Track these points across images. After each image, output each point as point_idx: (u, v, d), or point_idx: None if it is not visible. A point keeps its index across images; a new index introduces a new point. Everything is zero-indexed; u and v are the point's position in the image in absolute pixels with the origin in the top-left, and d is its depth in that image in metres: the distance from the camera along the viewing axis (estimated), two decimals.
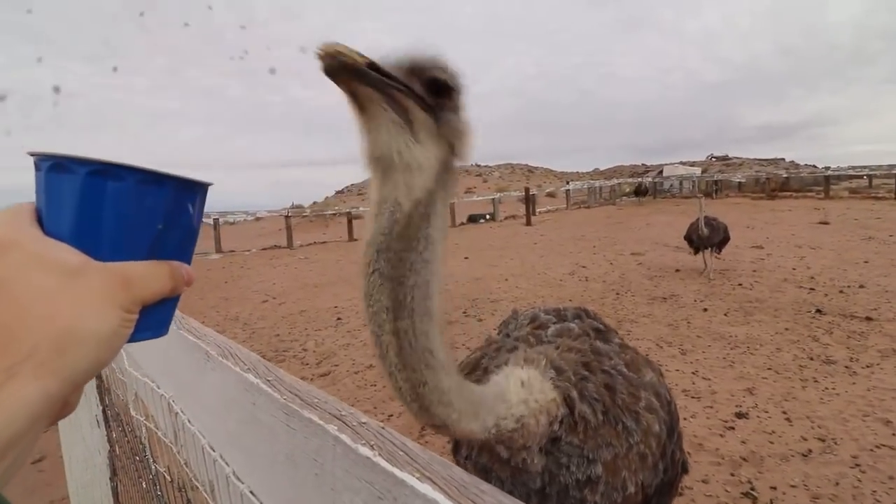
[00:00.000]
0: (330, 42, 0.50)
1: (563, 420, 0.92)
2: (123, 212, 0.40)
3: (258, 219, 19.48)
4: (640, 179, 32.97)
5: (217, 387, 0.72)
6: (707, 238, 7.92)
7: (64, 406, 0.38)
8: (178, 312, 1.14)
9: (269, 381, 0.61)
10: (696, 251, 8.29)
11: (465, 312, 6.54)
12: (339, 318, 6.82)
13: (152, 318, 0.43)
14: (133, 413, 1.29)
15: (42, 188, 0.42)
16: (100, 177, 0.39)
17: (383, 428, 0.47)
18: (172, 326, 1.02)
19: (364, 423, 0.48)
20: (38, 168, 0.42)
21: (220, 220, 15.98)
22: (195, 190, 0.45)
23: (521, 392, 0.84)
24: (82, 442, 2.12)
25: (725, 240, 8.15)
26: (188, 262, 0.47)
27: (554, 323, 1.28)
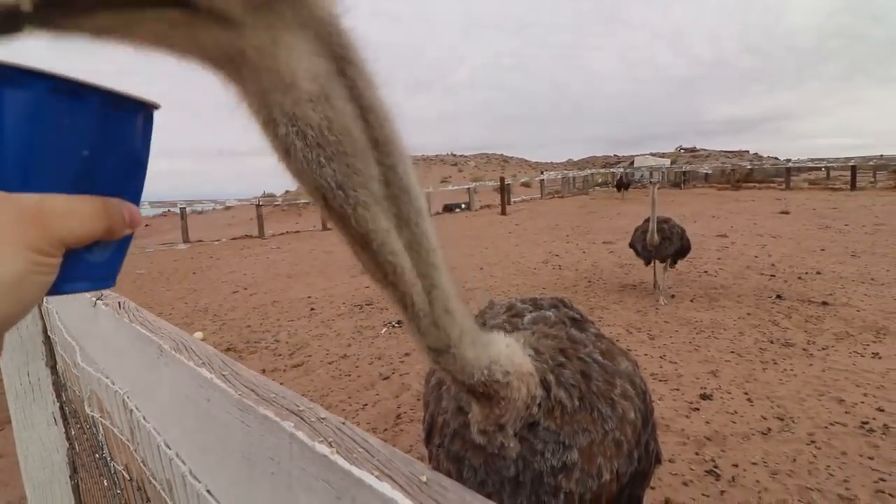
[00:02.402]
0: None
1: (541, 404, 0.91)
2: (33, 130, 0.33)
3: (228, 208, 18.95)
4: (616, 170, 33.52)
5: (171, 382, 0.68)
6: (658, 249, 6.03)
7: None
8: (132, 303, 1.08)
9: (224, 375, 0.58)
10: (647, 262, 6.50)
11: None
12: (312, 309, 6.72)
13: (88, 267, 0.37)
14: (88, 410, 1.23)
15: None
16: None
17: (343, 423, 0.45)
18: (124, 318, 0.97)
19: (323, 418, 0.46)
20: None
21: (188, 209, 15.43)
22: (133, 109, 0.37)
23: (507, 350, 0.80)
24: (38, 441, 2.02)
25: (684, 250, 6.22)
26: (134, 200, 0.39)
27: (530, 311, 1.27)
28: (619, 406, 1.04)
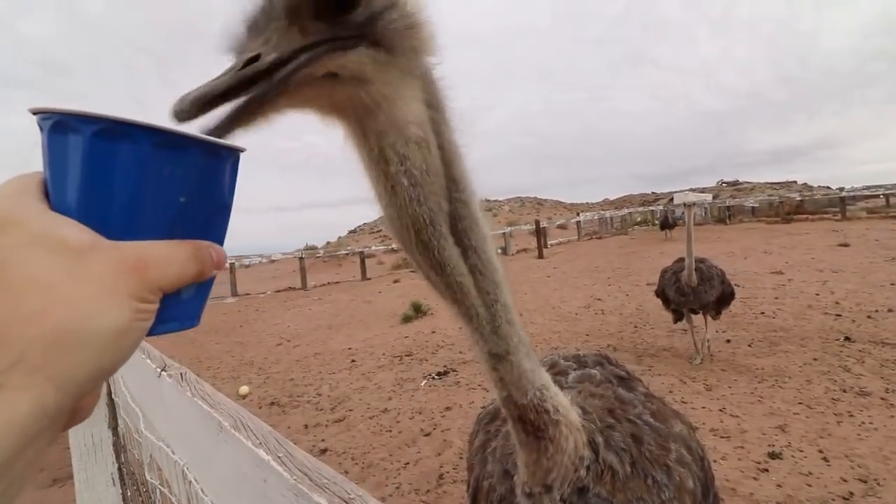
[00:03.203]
0: (178, 100, 0.39)
1: (590, 467, 0.86)
2: (138, 181, 0.35)
3: (273, 261, 19.78)
4: (655, 208, 32.45)
5: (229, 459, 0.72)
6: (696, 292, 4.95)
7: (75, 413, 0.33)
8: (193, 375, 1.15)
9: (279, 457, 0.61)
10: (678, 316, 5.41)
11: None
12: (352, 360, 6.77)
13: (178, 308, 0.38)
14: (148, 476, 1.28)
15: (46, 152, 0.36)
16: (108, 138, 0.34)
17: None
18: (186, 391, 1.04)
19: None
20: (41, 129, 0.36)
21: (236, 263, 16.28)
22: (225, 156, 0.39)
23: (557, 389, 0.81)
24: (98, 501, 2.10)
25: (726, 296, 5.19)
26: (219, 241, 0.41)
27: (574, 370, 1.23)
28: (675, 473, 0.97)
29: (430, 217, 0.55)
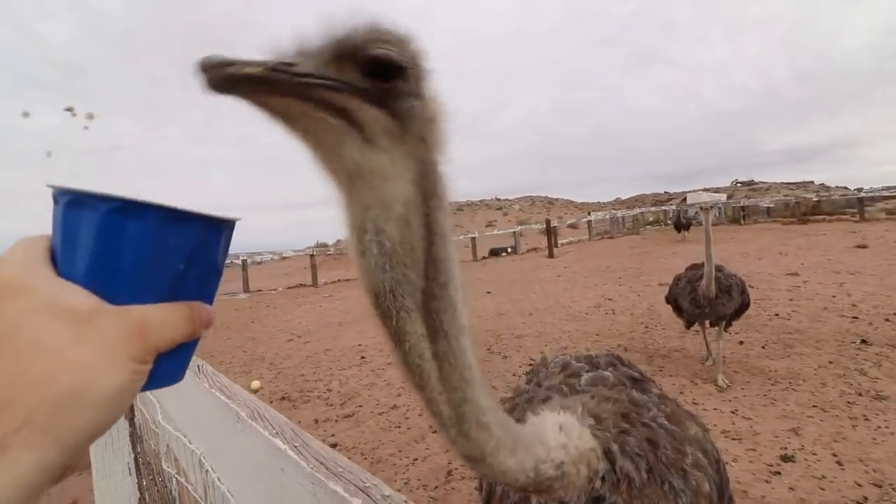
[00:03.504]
0: (213, 54, 0.39)
1: (605, 476, 0.83)
2: (144, 252, 0.38)
3: (284, 258, 19.97)
4: (668, 208, 31.82)
5: (246, 449, 0.74)
6: (713, 305, 4.55)
7: (65, 469, 0.34)
8: (210, 367, 1.18)
9: (296, 447, 0.63)
10: (691, 323, 5.08)
11: (489, 349, 6.46)
12: (362, 357, 6.82)
13: (167, 366, 0.40)
14: (165, 466, 1.32)
15: (59, 224, 0.39)
16: (120, 215, 0.37)
17: (406, 502, 0.48)
18: (204, 384, 1.06)
19: (388, 496, 0.49)
20: (55, 202, 0.39)
21: (248, 260, 16.46)
22: (222, 227, 0.43)
23: (560, 436, 0.76)
24: (114, 490, 2.15)
25: (744, 307, 4.81)
26: (210, 301, 0.43)
27: (587, 371, 1.22)
28: (691, 478, 0.95)
29: (391, 285, 0.54)
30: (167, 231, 0.38)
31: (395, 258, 0.52)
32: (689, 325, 5.26)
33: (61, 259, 0.38)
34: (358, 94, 0.46)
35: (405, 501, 0.48)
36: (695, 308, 4.72)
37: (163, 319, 0.37)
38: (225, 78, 0.39)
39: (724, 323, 4.82)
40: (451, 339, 0.58)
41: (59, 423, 0.30)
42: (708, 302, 4.57)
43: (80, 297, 0.35)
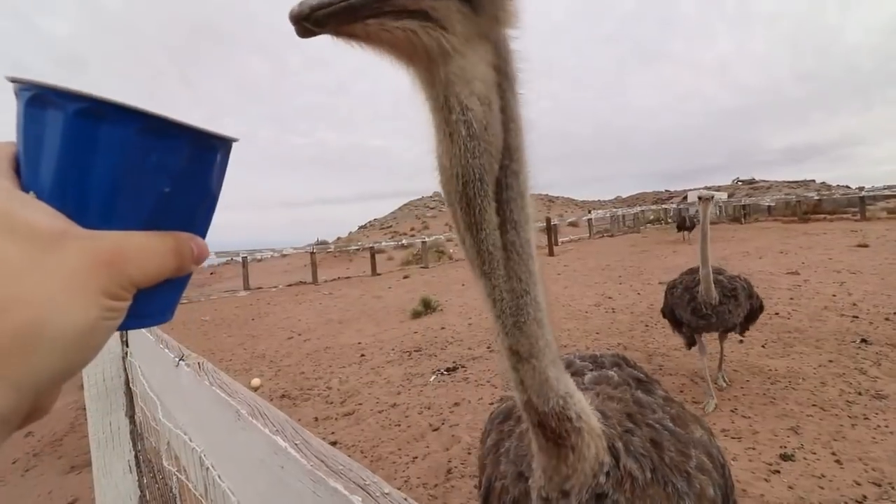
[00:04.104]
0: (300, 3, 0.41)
1: (609, 472, 0.82)
2: (121, 167, 0.32)
3: (284, 255, 19.97)
4: (669, 206, 31.64)
5: (247, 446, 0.75)
6: (718, 313, 3.92)
7: (33, 413, 0.30)
8: (210, 365, 1.18)
9: (296, 444, 0.63)
10: (692, 340, 4.34)
11: (489, 347, 6.46)
12: (362, 355, 6.83)
13: (151, 303, 0.35)
14: (165, 463, 1.32)
15: (21, 126, 0.33)
16: (92, 118, 0.31)
17: (406, 499, 0.48)
18: (205, 381, 1.06)
19: (387, 493, 0.49)
20: (17, 98, 0.33)
21: (249, 257, 16.47)
22: (216, 146, 0.37)
23: (581, 397, 0.76)
24: (115, 488, 2.16)
25: (755, 312, 4.28)
26: (202, 234, 0.38)
27: (590, 370, 1.21)
28: (695, 481, 0.94)
29: (479, 173, 0.56)
30: (150, 144, 0.32)
31: (482, 143, 0.54)
32: (690, 342, 4.41)
33: (24, 169, 0.33)
34: None
35: (405, 499, 0.48)
36: (697, 318, 4.01)
37: (143, 249, 0.32)
38: (315, 18, 0.41)
39: (727, 332, 4.32)
40: (520, 230, 0.61)
41: (12, 364, 0.26)
42: (712, 310, 3.91)
43: (43, 216, 0.29)
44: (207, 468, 0.93)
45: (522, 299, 0.63)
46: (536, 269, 0.64)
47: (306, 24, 0.42)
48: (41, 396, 0.29)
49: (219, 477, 0.88)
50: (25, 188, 0.32)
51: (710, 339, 4.58)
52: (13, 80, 0.32)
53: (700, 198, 4.33)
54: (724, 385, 4.36)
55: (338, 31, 0.45)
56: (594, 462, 0.79)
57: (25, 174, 0.32)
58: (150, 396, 1.51)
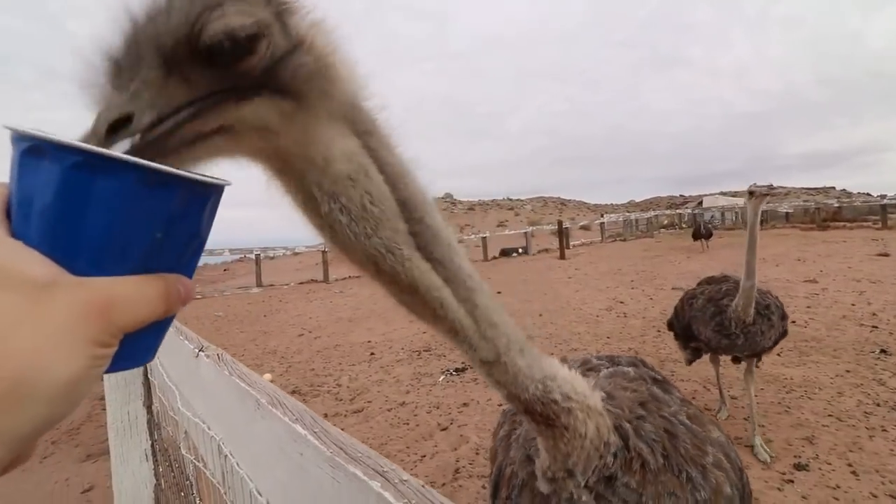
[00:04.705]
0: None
1: (617, 454, 0.80)
2: (115, 216, 0.32)
3: (296, 253, 20.17)
4: (683, 211, 30.95)
5: (266, 434, 0.77)
6: (749, 335, 3.33)
7: (13, 462, 0.29)
8: (229, 356, 1.21)
9: (315, 432, 0.65)
10: (696, 355, 3.94)
11: None
12: (372, 354, 6.87)
13: (135, 345, 0.35)
14: (183, 451, 1.35)
15: (15, 174, 0.32)
16: (88, 171, 0.31)
17: (423, 486, 0.50)
18: (224, 372, 1.09)
19: (405, 480, 0.51)
20: (13, 145, 0.32)
21: (262, 255, 16.67)
22: (209, 192, 0.37)
23: (568, 375, 0.75)
24: (132, 475, 2.21)
25: (783, 336, 3.62)
26: (189, 274, 0.38)
27: (607, 367, 1.20)
28: (711, 476, 0.91)
29: (385, 246, 0.52)
30: (144, 194, 0.32)
31: (372, 218, 0.50)
32: (693, 358, 3.98)
33: (16, 216, 0.32)
34: (217, 103, 0.38)
35: (423, 486, 0.49)
36: (721, 338, 3.39)
37: (132, 295, 0.32)
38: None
39: (755, 359, 3.67)
40: (448, 262, 0.58)
41: (1, 417, 0.25)
42: (742, 330, 3.30)
43: (33, 264, 0.29)
44: (226, 456, 0.96)
45: (475, 314, 0.62)
46: (475, 281, 0.62)
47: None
48: (24, 446, 0.28)
49: (237, 464, 0.90)
50: (16, 234, 0.32)
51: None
52: (10, 129, 0.32)
53: (751, 192, 3.46)
54: (768, 458, 3.34)
55: (170, 160, 0.37)
56: (597, 440, 0.77)
57: (16, 220, 0.32)
58: (168, 386, 1.55)
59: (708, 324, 3.51)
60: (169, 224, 0.34)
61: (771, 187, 3.42)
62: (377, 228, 0.51)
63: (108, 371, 0.33)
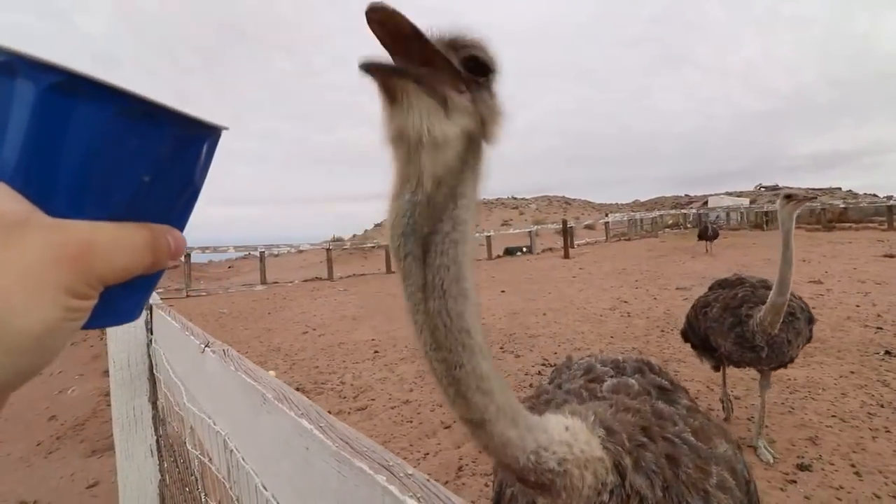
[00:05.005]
0: (374, 58, 0.49)
1: (614, 491, 0.78)
2: (95, 151, 0.28)
3: (301, 251, 20.21)
4: (688, 211, 30.72)
5: (272, 429, 0.78)
6: (776, 346, 3.03)
7: None
8: (235, 352, 1.22)
9: (321, 427, 0.65)
10: (719, 362, 3.60)
11: (501, 348, 6.46)
12: (375, 351, 6.88)
13: (117, 301, 0.32)
14: (189, 446, 1.37)
15: None
16: (66, 95, 0.27)
17: (428, 480, 0.50)
18: (230, 366, 1.10)
19: (410, 474, 0.52)
20: None
21: (266, 252, 16.73)
22: (204, 135, 0.34)
23: (565, 434, 0.74)
24: (136, 471, 2.23)
25: (807, 341, 3.39)
26: (180, 227, 0.35)
27: (611, 376, 1.18)
28: (714, 500, 0.89)
29: (411, 227, 0.60)
30: (130, 128, 0.29)
31: (418, 209, 0.57)
32: (717, 364, 3.70)
33: None
34: (455, 77, 0.54)
35: (427, 479, 0.50)
36: (744, 350, 3.08)
37: (114, 242, 0.29)
38: (384, 71, 0.50)
39: (773, 365, 3.27)
40: (449, 299, 0.59)
41: None
42: (767, 342, 2.96)
43: (4, 200, 0.27)
44: (232, 450, 0.97)
45: (458, 371, 0.60)
46: (476, 341, 0.61)
47: (369, 70, 0.49)
48: None
49: (243, 459, 0.91)
50: None
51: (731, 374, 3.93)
52: None
53: (787, 197, 3.15)
54: (771, 459, 3.26)
55: (386, 80, 0.52)
56: (594, 485, 0.76)
57: None
58: (174, 382, 1.57)
59: (727, 336, 3.19)
60: (158, 166, 0.31)
61: (808, 194, 3.21)
62: (413, 214, 0.59)
63: (88, 327, 0.30)
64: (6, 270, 0.24)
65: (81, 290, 0.27)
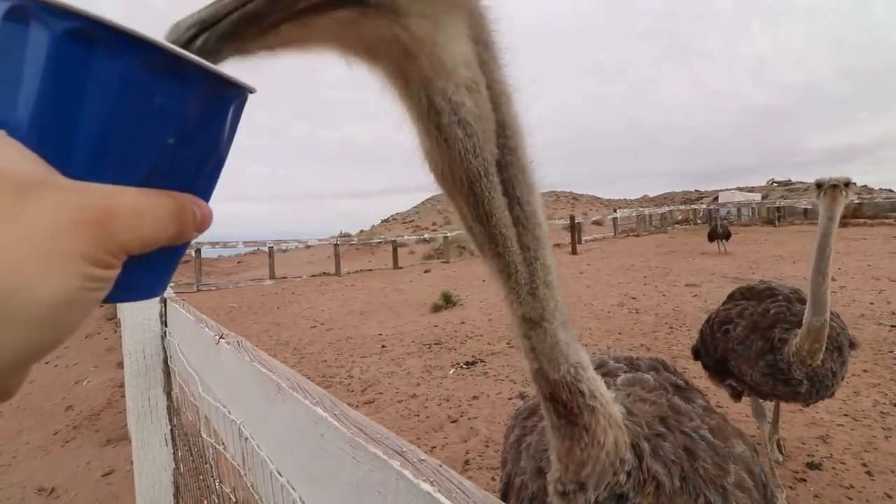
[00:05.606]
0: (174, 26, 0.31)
1: (631, 473, 0.75)
2: (117, 107, 0.26)
3: (308, 246, 20.35)
4: (698, 206, 30.32)
5: (287, 417, 0.80)
6: (817, 380, 2.32)
7: None
8: (248, 343, 1.25)
9: (335, 414, 0.67)
10: (740, 393, 2.89)
11: (508, 343, 6.47)
12: (383, 346, 6.93)
13: (141, 273, 0.30)
14: (204, 435, 1.40)
15: None
16: (85, 43, 0.25)
17: (441, 466, 0.52)
18: (245, 357, 1.12)
19: (423, 460, 0.53)
20: None
21: (275, 248, 16.87)
22: (232, 95, 0.31)
23: (597, 379, 0.71)
24: (152, 460, 2.28)
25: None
26: (206, 198, 0.32)
27: (625, 372, 1.15)
28: (732, 498, 0.86)
29: (484, 168, 0.51)
30: (155, 82, 0.27)
31: (481, 136, 0.48)
32: (739, 395, 2.99)
33: None
34: None
35: (440, 465, 0.52)
36: (776, 383, 2.43)
37: (137, 208, 0.27)
38: (204, 47, 0.31)
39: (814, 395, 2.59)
40: (524, 204, 0.58)
41: None
42: (807, 375, 2.31)
43: (18, 160, 0.24)
44: (247, 438, 0.99)
45: (533, 265, 0.61)
46: (544, 232, 0.62)
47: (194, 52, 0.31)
48: (3, 378, 0.24)
49: (257, 446, 0.93)
50: None
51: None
52: None
53: (819, 185, 2.35)
54: (779, 457, 3.14)
55: (244, 50, 0.34)
56: (613, 454, 0.73)
57: None
58: (188, 373, 1.60)
59: (754, 363, 2.50)
60: (183, 129, 0.29)
61: (848, 181, 2.36)
62: (483, 148, 0.49)
63: (109, 300, 0.28)
64: (22, 236, 0.22)
65: (103, 258, 0.25)
